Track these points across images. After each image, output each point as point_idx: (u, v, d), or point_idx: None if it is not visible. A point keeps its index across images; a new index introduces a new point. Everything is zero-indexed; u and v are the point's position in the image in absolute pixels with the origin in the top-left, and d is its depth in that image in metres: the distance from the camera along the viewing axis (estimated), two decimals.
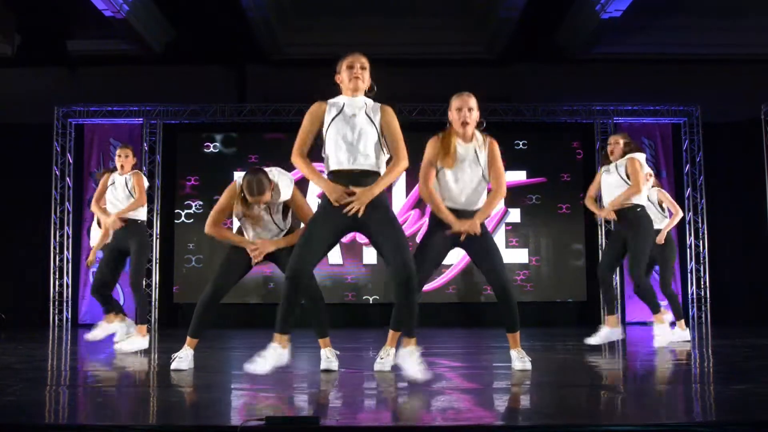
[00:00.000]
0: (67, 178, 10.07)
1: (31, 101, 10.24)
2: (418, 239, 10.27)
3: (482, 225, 4.22)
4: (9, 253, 9.98)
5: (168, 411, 3.13)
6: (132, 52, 10.26)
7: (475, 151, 4.29)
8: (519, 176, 10.28)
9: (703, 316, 10.01)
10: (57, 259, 9.95)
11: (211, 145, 10.14)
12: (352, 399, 3.41)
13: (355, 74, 3.87)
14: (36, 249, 10.03)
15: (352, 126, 3.77)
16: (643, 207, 5.59)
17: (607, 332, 5.60)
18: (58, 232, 9.99)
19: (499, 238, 10.18)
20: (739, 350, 5.86)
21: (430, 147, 4.32)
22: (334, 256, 9.88)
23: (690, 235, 10.20)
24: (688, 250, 10.19)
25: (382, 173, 3.80)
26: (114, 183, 5.91)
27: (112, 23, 9.24)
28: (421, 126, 10.18)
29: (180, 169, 10.27)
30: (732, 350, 5.94)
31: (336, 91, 4.00)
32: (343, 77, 3.91)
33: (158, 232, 10.16)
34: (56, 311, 9.89)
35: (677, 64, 10.43)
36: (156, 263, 10.13)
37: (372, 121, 3.81)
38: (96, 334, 6.16)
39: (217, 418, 2.94)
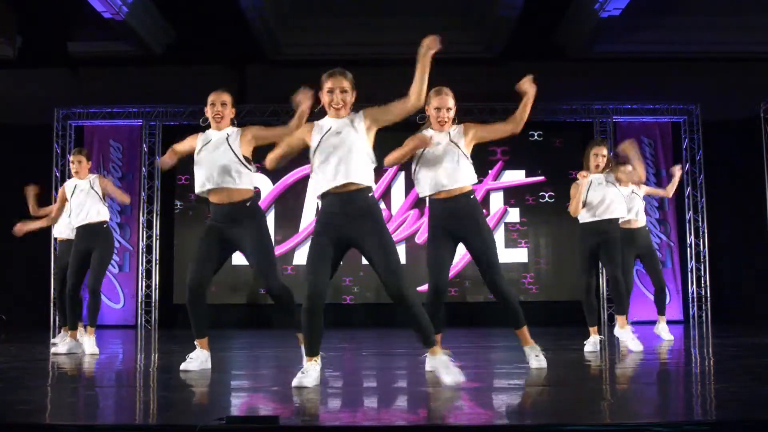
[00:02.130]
0: (67, 180, 10.06)
1: (31, 103, 10.25)
2: (417, 239, 10.39)
3: (482, 221, 4.30)
4: (9, 254, 9.98)
5: (128, 411, 3.15)
6: (132, 53, 10.26)
7: (449, 135, 4.41)
8: (518, 176, 10.28)
9: (704, 315, 10.01)
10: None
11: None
12: (353, 398, 3.42)
13: (335, 102, 3.83)
14: (36, 249, 10.02)
15: (337, 141, 3.74)
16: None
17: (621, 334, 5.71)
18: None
19: (499, 238, 10.19)
20: (739, 350, 5.86)
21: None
22: None
23: (690, 234, 10.19)
24: (689, 249, 10.19)
25: (372, 186, 3.79)
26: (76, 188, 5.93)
27: (112, 25, 9.25)
28: (421, 126, 10.21)
29: (179, 170, 10.27)
30: (732, 350, 5.94)
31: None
32: (323, 99, 3.87)
33: (158, 232, 10.17)
34: (56, 312, 9.88)
35: (676, 62, 10.42)
36: (156, 264, 10.14)
37: (357, 131, 3.79)
38: (60, 349, 5.79)
39: (181, 417, 2.95)
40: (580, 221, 5.75)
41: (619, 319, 5.72)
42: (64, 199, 6.00)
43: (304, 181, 10.02)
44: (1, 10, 9.78)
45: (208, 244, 4.34)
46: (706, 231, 10.15)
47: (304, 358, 3.77)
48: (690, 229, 10.20)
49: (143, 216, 10.17)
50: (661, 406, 3.17)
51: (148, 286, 10.10)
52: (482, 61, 10.56)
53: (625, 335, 5.62)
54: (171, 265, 10.21)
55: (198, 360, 4.34)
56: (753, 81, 9.95)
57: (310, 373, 3.68)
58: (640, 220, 6.65)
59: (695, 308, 10.06)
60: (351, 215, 3.68)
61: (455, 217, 4.28)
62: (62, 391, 3.76)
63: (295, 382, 3.63)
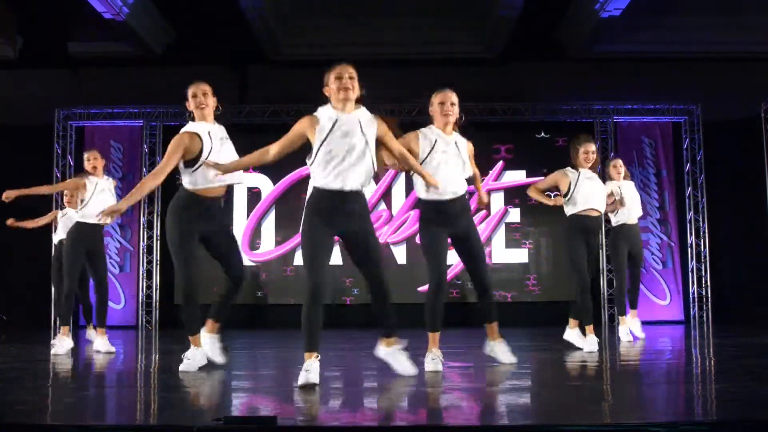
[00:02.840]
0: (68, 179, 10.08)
1: (32, 103, 10.25)
2: (418, 239, 10.35)
3: (471, 220, 4.60)
4: (9, 254, 9.99)
5: (128, 411, 3.15)
6: (132, 54, 10.26)
7: (456, 144, 4.50)
8: (519, 176, 10.26)
9: (704, 315, 10.00)
10: None
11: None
12: (350, 399, 3.42)
13: (344, 85, 3.82)
14: (36, 250, 10.02)
15: (347, 146, 3.77)
16: None
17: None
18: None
19: (500, 239, 10.19)
20: (740, 350, 5.86)
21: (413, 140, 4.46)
22: (334, 257, 9.85)
23: (691, 234, 10.18)
24: (689, 249, 10.18)
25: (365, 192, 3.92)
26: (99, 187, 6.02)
27: (113, 26, 9.25)
28: (420, 126, 10.20)
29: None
30: (733, 350, 5.93)
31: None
32: (332, 88, 3.87)
33: (159, 233, 10.18)
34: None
35: (677, 62, 10.41)
36: (157, 264, 10.15)
37: (366, 139, 3.83)
38: (59, 350, 5.88)
39: (180, 418, 2.95)
40: (569, 213, 5.86)
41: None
42: (78, 188, 6.00)
43: (304, 181, 10.01)
44: (2, 11, 9.79)
45: (193, 242, 4.49)
46: (706, 231, 10.14)
47: (307, 355, 3.76)
48: (691, 229, 10.20)
49: (144, 216, 10.17)
50: (661, 406, 3.17)
51: (149, 287, 10.11)
52: (482, 61, 10.55)
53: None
54: (171, 266, 10.18)
55: (195, 358, 4.38)
56: (753, 81, 9.94)
57: (314, 369, 3.68)
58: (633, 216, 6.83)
59: (696, 308, 10.05)
60: (347, 213, 3.81)
61: (452, 216, 4.46)
62: (62, 391, 3.76)
63: (301, 380, 3.62)
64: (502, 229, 10.26)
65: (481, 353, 5.57)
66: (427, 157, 4.39)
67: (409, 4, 9.83)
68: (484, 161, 10.17)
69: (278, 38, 10.26)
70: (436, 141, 4.41)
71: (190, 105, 4.52)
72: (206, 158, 4.33)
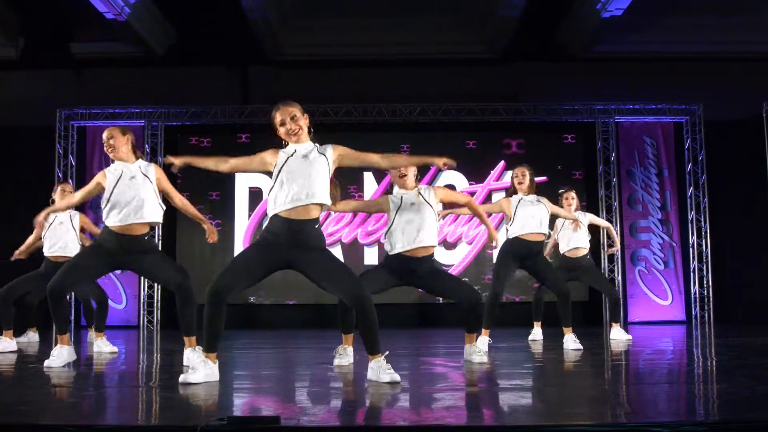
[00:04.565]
0: (70, 181, 10.08)
1: (33, 104, 10.25)
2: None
3: (434, 265, 4.77)
4: (10, 254, 9.97)
5: (131, 411, 3.15)
6: (134, 54, 10.28)
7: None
8: None
9: (706, 315, 9.99)
10: None
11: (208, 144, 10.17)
12: (342, 398, 3.41)
13: (289, 130, 3.86)
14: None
15: (306, 166, 3.78)
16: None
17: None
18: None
19: (500, 238, 10.15)
20: (741, 350, 5.85)
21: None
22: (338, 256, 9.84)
23: (692, 234, 10.18)
24: (691, 249, 10.17)
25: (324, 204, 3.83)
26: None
27: (114, 26, 9.26)
28: (422, 126, 10.21)
29: (182, 170, 10.26)
30: (734, 350, 5.93)
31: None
32: (281, 134, 3.91)
33: (161, 233, 10.18)
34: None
35: (679, 62, 10.40)
36: None
37: (326, 157, 3.84)
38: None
39: (182, 418, 2.95)
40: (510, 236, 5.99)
41: (567, 330, 5.91)
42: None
43: None
44: (4, 11, 9.80)
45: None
46: (708, 231, 10.13)
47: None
48: (692, 229, 10.19)
49: None
50: (663, 406, 3.17)
51: (151, 287, 10.11)
52: (484, 61, 10.55)
53: (570, 339, 5.83)
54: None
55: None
56: (755, 81, 9.94)
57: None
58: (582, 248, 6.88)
59: (697, 308, 10.04)
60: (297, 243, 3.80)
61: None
62: (62, 391, 3.76)
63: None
64: (503, 229, 10.21)
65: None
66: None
67: (411, 4, 9.83)
68: (485, 161, 10.20)
69: (280, 39, 10.27)
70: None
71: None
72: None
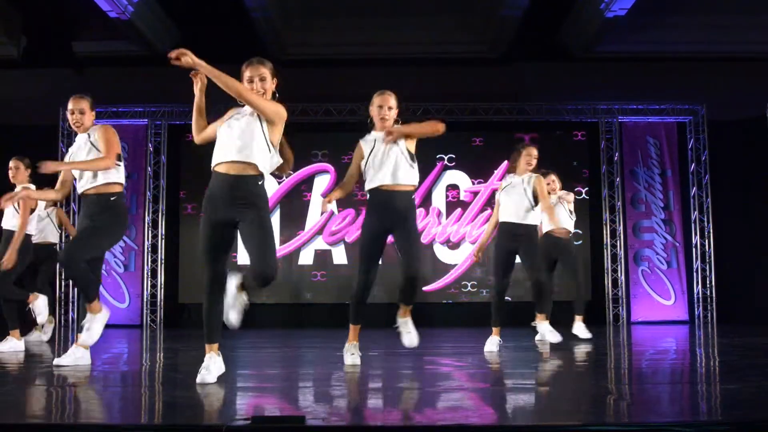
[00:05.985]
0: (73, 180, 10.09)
1: (36, 103, 10.26)
2: (423, 238, 10.37)
3: (410, 218, 4.51)
4: None
5: (157, 410, 3.14)
6: (137, 53, 10.27)
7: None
8: None
9: (709, 315, 9.98)
10: None
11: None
12: (358, 398, 3.41)
13: (254, 90, 3.92)
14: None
15: (238, 122, 3.89)
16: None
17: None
18: (63, 233, 10.00)
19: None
20: (745, 350, 5.84)
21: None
22: (339, 256, 9.86)
23: (695, 234, 10.17)
24: (694, 249, 10.16)
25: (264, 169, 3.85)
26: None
27: (117, 24, 9.26)
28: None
29: (184, 169, 10.28)
30: (738, 350, 5.92)
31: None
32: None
33: (163, 232, 10.19)
34: (62, 311, 9.92)
35: (682, 62, 10.38)
36: (161, 263, 10.16)
37: (259, 119, 3.84)
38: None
39: (206, 417, 2.95)
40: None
41: (539, 316, 5.98)
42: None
43: (308, 181, 10.03)
44: (6, 10, 9.81)
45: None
46: (711, 231, 10.12)
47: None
48: (695, 229, 10.17)
49: (148, 215, 10.19)
50: (666, 406, 3.16)
51: (154, 286, 10.12)
52: (486, 61, 10.54)
53: (543, 328, 5.91)
54: (176, 265, 10.22)
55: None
56: (759, 81, 9.92)
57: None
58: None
59: (700, 308, 10.02)
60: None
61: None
62: (63, 391, 3.76)
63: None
64: None
65: (482, 352, 5.58)
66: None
67: (413, 4, 9.83)
68: (489, 161, 10.18)
69: (283, 38, 10.26)
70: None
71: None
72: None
